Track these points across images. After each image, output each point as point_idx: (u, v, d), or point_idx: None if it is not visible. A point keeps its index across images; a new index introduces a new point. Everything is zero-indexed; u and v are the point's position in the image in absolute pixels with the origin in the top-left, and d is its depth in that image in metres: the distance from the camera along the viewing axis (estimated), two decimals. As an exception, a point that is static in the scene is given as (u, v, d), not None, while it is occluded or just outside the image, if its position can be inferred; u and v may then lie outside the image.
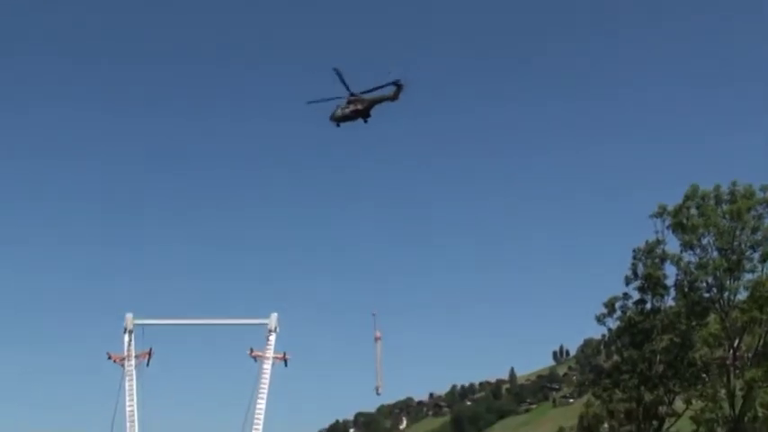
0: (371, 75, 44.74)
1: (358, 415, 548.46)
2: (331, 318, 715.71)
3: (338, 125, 44.93)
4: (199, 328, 55.00)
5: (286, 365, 52.77)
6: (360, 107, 43.46)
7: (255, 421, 48.92)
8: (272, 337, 52.36)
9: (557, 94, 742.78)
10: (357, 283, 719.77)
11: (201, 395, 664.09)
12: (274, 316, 53.60)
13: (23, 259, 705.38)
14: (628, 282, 59.20)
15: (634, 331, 58.47)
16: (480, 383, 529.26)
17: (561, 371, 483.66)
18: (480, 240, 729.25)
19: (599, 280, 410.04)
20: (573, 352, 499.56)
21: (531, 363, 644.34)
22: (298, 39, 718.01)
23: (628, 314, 59.14)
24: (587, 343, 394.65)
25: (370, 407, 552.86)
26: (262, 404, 49.49)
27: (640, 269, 58.67)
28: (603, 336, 65.23)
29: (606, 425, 58.60)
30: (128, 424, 46.40)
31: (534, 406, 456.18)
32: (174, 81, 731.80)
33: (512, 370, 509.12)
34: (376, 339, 54.47)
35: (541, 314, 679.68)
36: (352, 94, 43.46)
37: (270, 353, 51.62)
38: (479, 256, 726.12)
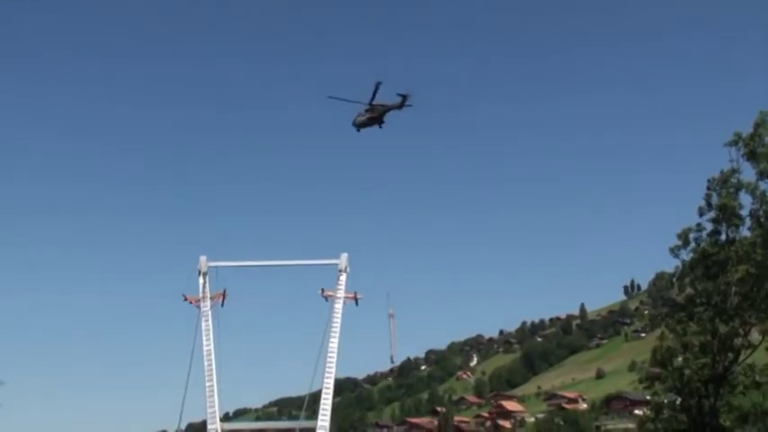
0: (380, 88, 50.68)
1: (429, 352, 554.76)
2: (401, 256, 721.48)
3: (359, 130, 52.78)
4: (271, 269, 55.57)
5: (357, 305, 53.19)
6: (374, 115, 51.42)
7: (328, 360, 49.52)
8: (343, 277, 52.73)
9: (629, 30, 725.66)
10: (426, 217, 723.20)
11: (275, 334, 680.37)
12: (344, 256, 53.94)
13: (100, 205, 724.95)
14: (702, 213, 57.81)
15: (708, 263, 57.25)
16: (550, 319, 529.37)
17: (632, 305, 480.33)
18: (548, 177, 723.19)
19: (670, 212, 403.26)
20: (644, 286, 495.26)
21: (602, 298, 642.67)
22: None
23: (702, 246, 57.85)
24: (659, 276, 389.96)
25: (441, 344, 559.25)
26: (334, 343, 49.98)
27: (714, 199, 57.18)
28: (676, 268, 64.17)
29: (680, 358, 57.83)
30: (205, 363, 47.45)
31: (605, 341, 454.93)
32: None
33: (582, 305, 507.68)
34: (390, 316, 55.97)
35: (612, 249, 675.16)
36: (370, 104, 50.89)
37: (341, 293, 52.04)
38: (548, 191, 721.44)
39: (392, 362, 60.42)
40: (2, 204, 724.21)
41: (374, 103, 50.79)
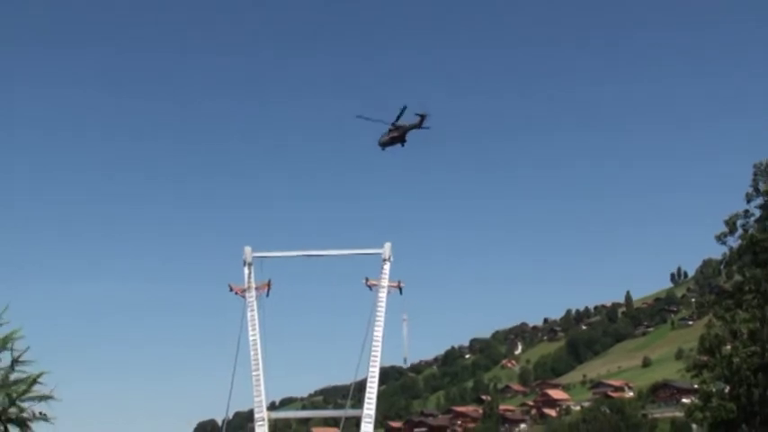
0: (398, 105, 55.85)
1: (473, 341, 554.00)
2: (445, 247, 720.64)
3: (383, 149, 57.22)
4: (315, 258, 55.66)
5: (401, 293, 53.21)
6: (396, 134, 55.82)
7: (373, 348, 49.62)
8: (387, 266, 52.71)
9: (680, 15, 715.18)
10: (470, 204, 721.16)
11: (320, 323, 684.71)
12: (388, 245, 53.96)
13: (149, 196, 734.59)
14: (749, 199, 56.85)
15: (757, 249, 56.29)
16: (595, 307, 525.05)
17: (679, 293, 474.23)
18: (595, 163, 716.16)
19: (717, 198, 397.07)
20: (691, 273, 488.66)
21: (648, 285, 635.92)
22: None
23: (750, 232, 56.91)
24: (706, 263, 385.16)
25: (485, 332, 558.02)
26: (379, 332, 50.05)
27: (761, 185, 56.15)
28: (724, 255, 63.17)
29: (729, 346, 56.93)
30: (251, 352, 47.84)
31: (651, 329, 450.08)
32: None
33: (628, 293, 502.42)
34: (403, 321, 56.77)
35: (658, 236, 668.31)
36: (393, 125, 55.29)
37: (385, 281, 52.04)
38: (595, 178, 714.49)
39: (405, 363, 61.55)
40: (55, 197, 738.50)
41: (397, 123, 55.03)
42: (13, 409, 18.19)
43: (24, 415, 18.40)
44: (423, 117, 54.39)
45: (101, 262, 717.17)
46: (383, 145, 57.09)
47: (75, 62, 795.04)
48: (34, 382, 18.33)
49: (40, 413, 18.43)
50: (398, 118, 54.52)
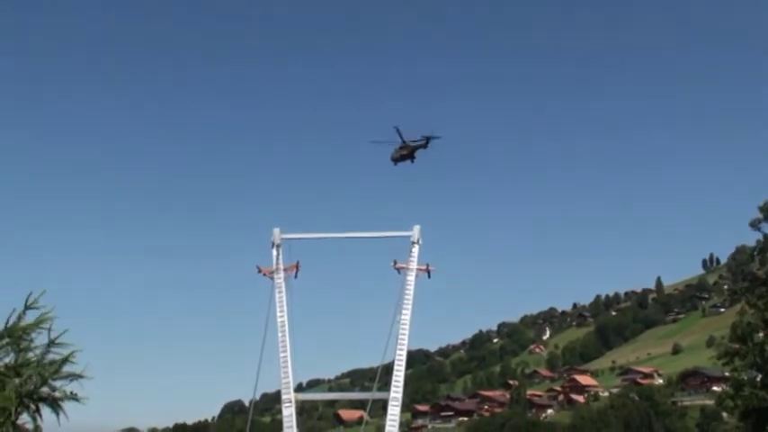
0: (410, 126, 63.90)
1: (501, 325, 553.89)
2: (473, 230, 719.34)
3: (395, 164, 63.56)
4: (343, 241, 55.73)
5: (429, 277, 53.09)
6: (405, 152, 62.65)
7: (401, 332, 49.65)
8: (416, 249, 52.60)
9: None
10: (498, 181, 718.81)
11: (347, 306, 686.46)
12: (417, 228, 53.88)
13: (179, 172, 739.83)
14: (785, 185, 56.21)
15: (791, 236, 55.75)
16: (626, 293, 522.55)
17: (711, 279, 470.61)
18: (628, 146, 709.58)
19: (751, 184, 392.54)
20: (723, 260, 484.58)
21: (679, 272, 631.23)
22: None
23: (785, 219, 56.28)
24: (739, 250, 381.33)
25: (514, 317, 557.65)
26: (407, 315, 49.97)
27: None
28: (758, 242, 62.49)
29: (761, 334, 56.42)
30: (279, 334, 48.03)
31: (682, 316, 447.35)
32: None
33: (658, 279, 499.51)
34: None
35: (690, 222, 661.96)
36: (403, 142, 62.32)
37: (413, 265, 51.94)
38: (628, 162, 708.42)
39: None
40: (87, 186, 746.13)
41: (405, 142, 62.21)
42: (45, 389, 18.61)
43: (56, 394, 18.76)
44: (428, 139, 61.63)
45: (122, 245, 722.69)
46: (395, 161, 63.40)
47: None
48: (66, 360, 18.72)
49: (72, 393, 18.82)
50: (401, 136, 62.11)
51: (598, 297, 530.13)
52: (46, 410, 18.41)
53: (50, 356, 18.26)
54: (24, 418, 18.11)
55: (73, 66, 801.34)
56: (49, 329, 18.23)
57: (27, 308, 18.41)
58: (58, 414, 18.53)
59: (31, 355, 18.38)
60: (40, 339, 18.39)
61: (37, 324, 18.20)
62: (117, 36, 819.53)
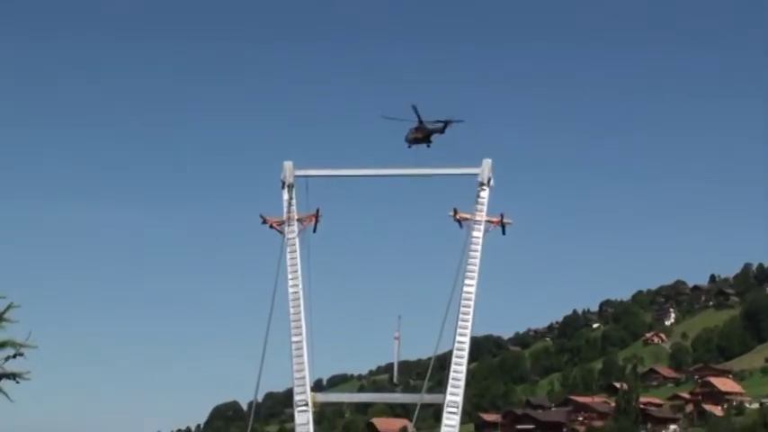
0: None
1: (604, 304, 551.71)
2: (566, 175, 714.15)
3: (410, 146, 72.23)
4: (379, 181, 55.93)
5: (504, 233, 53.04)
6: (420, 135, 71.61)
7: (463, 311, 49.58)
8: (485, 194, 52.55)
9: None
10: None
11: (386, 273, 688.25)
12: (487, 162, 53.68)
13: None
14: None
15: None
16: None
17: None
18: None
19: None
20: None
21: None
22: None
23: None
24: None
25: (623, 294, 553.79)
26: (471, 287, 49.93)
27: None
28: None
29: None
30: (291, 310, 48.08)
31: None
32: None
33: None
34: (395, 339, 56.73)
35: None
36: (420, 122, 70.94)
37: (482, 215, 51.92)
38: None
39: (396, 383, 63.10)
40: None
41: (422, 122, 71.18)
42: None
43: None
44: (446, 124, 71.11)
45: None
46: (410, 142, 72.43)
47: None
48: (2, 319, 20.54)
49: (12, 374, 20.42)
50: (419, 115, 70.79)
51: (747, 267, 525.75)
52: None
53: None
54: None
55: None
56: None
57: None
58: None
59: None
60: None
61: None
62: None
